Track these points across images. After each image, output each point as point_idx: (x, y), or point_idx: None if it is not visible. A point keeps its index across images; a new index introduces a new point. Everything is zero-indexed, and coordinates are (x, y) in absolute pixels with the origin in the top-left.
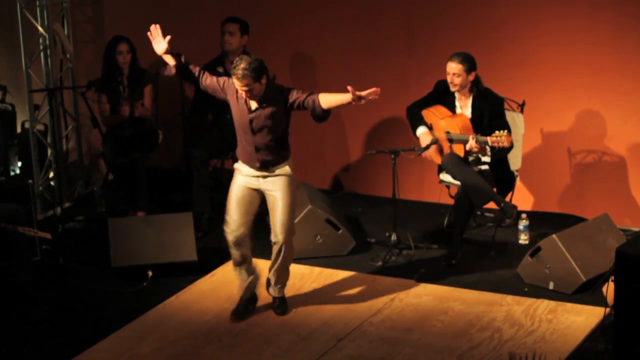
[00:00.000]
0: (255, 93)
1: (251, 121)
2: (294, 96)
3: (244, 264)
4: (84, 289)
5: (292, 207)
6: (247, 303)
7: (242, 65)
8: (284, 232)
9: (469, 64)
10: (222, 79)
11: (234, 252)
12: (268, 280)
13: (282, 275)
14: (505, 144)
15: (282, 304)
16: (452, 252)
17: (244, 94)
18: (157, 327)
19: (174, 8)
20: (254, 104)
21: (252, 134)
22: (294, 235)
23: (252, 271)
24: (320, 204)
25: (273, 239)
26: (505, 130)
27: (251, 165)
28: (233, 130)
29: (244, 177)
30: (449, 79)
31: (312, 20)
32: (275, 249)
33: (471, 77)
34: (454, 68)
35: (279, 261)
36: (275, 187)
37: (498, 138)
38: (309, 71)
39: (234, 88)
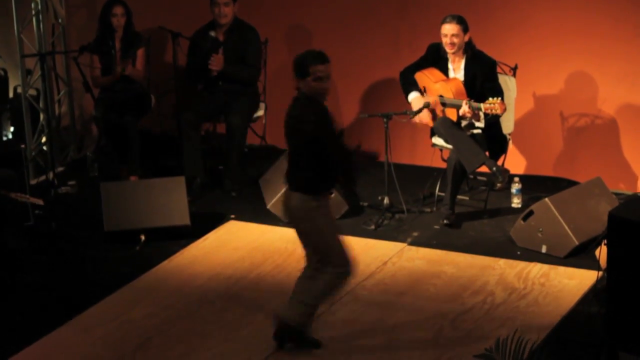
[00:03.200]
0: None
1: None
2: None
3: None
4: (77, 253)
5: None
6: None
7: None
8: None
9: (464, 24)
10: None
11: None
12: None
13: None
14: (499, 111)
15: (281, 334)
16: (444, 214)
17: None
18: (149, 291)
19: None
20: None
21: None
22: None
23: None
24: None
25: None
26: (499, 98)
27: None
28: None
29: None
30: (447, 40)
31: None
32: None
33: (466, 38)
34: (451, 29)
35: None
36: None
37: (491, 105)
38: (301, 36)
39: None
